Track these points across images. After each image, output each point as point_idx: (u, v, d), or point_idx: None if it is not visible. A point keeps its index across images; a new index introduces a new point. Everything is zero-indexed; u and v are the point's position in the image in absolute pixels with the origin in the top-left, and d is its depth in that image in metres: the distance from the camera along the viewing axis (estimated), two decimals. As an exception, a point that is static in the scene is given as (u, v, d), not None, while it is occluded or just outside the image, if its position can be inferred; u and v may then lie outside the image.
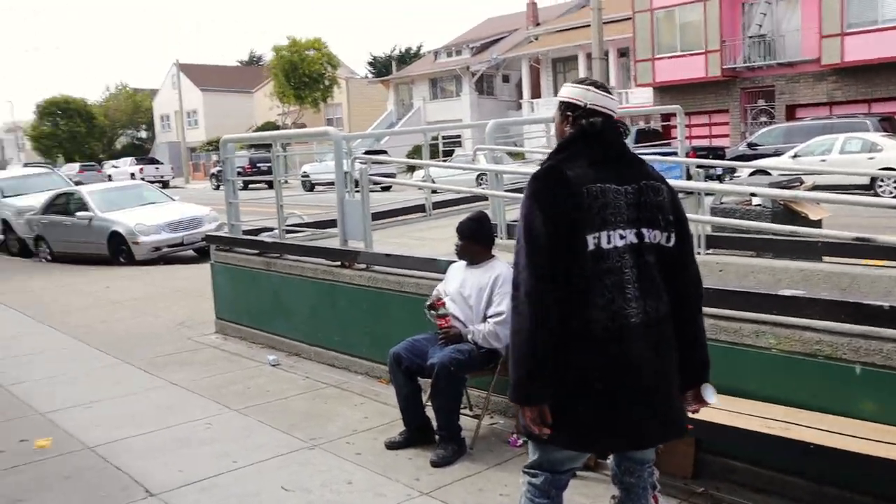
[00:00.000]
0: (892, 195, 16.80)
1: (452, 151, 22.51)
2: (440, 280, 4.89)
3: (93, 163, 49.93)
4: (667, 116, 25.19)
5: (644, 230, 2.41)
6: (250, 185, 29.25)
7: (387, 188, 16.88)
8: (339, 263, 6.09)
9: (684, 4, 28.92)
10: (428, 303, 4.55)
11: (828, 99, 26.49)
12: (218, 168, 38.96)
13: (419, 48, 61.59)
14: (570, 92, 2.53)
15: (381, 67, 60.43)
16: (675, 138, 16.29)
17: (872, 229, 5.41)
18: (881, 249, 6.06)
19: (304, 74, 43.24)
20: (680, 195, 2.73)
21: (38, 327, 8.56)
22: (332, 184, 28.12)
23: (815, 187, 10.47)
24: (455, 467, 4.20)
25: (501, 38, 44.23)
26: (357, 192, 6.25)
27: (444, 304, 4.44)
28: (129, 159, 48.39)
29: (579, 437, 2.42)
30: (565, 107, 2.53)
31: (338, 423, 4.99)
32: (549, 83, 39.39)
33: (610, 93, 2.54)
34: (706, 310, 2.99)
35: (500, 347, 4.35)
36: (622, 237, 2.37)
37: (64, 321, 8.70)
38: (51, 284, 11.59)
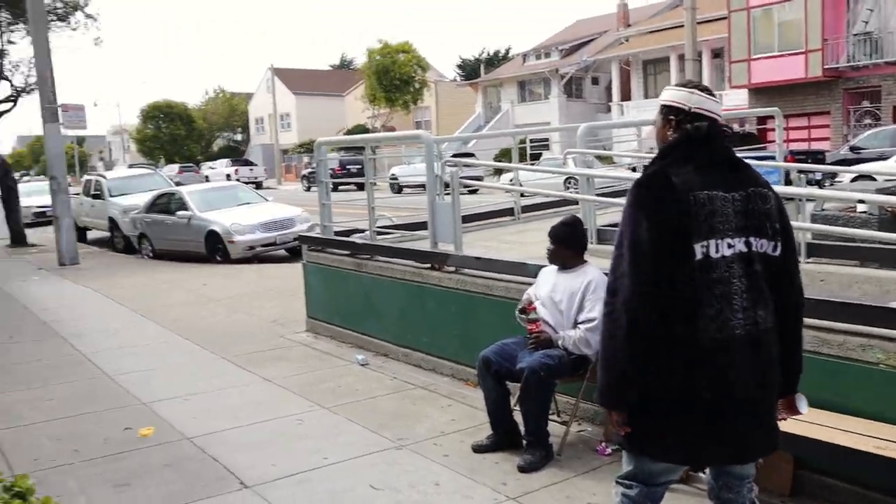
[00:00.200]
0: None
1: (540, 155, 22.36)
2: (529, 284, 4.87)
3: (191, 164, 51.92)
4: (763, 119, 24.38)
5: (752, 239, 2.35)
6: (340, 187, 29.80)
7: (473, 191, 16.91)
8: (428, 265, 6.15)
9: (783, 2, 27.92)
10: (519, 307, 4.54)
11: (940, 100, 25.11)
12: (309, 170, 39.91)
13: (507, 51, 61.60)
14: (673, 95, 2.48)
15: (469, 70, 60.68)
16: (771, 142, 15.73)
17: None
18: None
19: (395, 77, 43.86)
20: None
21: (140, 321, 8.96)
22: (420, 186, 28.37)
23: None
24: (542, 473, 4.18)
25: (591, 40, 43.75)
26: (447, 194, 6.30)
27: (535, 308, 4.41)
28: (224, 161, 50.07)
29: (683, 448, 2.37)
30: (668, 110, 2.47)
31: (425, 425, 5.03)
32: (640, 85, 38.73)
33: (714, 96, 2.48)
34: (807, 321, 2.89)
35: (591, 354, 4.30)
36: (730, 246, 2.32)
37: (164, 316, 9.07)
38: (152, 280, 12.11)
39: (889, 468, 3.14)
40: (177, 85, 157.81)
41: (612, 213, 7.92)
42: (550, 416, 4.46)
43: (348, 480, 4.20)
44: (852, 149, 20.93)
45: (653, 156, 2.51)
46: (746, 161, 2.50)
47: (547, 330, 4.40)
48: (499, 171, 23.98)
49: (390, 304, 6.67)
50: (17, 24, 17.02)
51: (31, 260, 15.62)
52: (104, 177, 19.57)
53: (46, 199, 19.76)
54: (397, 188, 28.66)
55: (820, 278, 5.90)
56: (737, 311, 2.30)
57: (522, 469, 4.18)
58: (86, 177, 22.11)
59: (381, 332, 6.81)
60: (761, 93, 29.11)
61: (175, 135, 60.23)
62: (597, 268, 4.49)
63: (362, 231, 7.69)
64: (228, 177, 41.13)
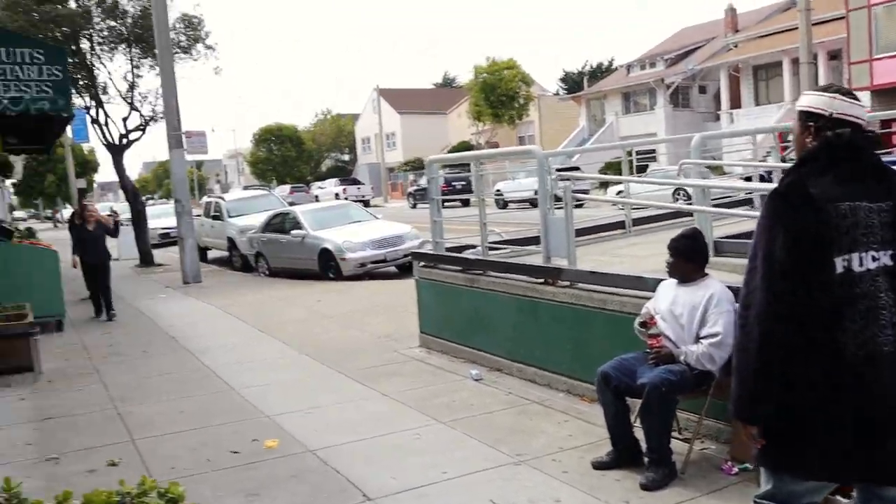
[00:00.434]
0: None
1: (646, 167, 21.94)
2: (646, 298, 4.79)
3: (301, 184, 53.62)
4: (888, 122, 23.03)
5: None
6: (445, 204, 30.10)
7: (579, 205, 16.71)
8: (542, 280, 6.13)
9: (908, -1, 26.43)
10: (639, 321, 4.46)
11: None
12: (414, 187, 40.54)
13: (611, 62, 60.87)
14: (811, 101, 2.38)
15: (571, 83, 60.28)
16: (897, 146, 14.86)
17: None
18: None
19: (501, 94, 44.09)
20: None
21: (260, 336, 9.31)
22: (524, 201, 28.27)
23: None
24: (666, 492, 4.08)
25: (697, 48, 42.67)
26: (558, 209, 6.28)
27: (655, 322, 4.33)
28: (333, 180, 51.48)
29: (825, 464, 2.27)
30: (806, 116, 2.38)
31: (542, 440, 5.00)
32: (750, 92, 37.42)
33: (858, 100, 2.37)
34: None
35: (714, 369, 4.18)
36: (875, 259, 2.21)
37: (282, 332, 9.39)
38: (269, 298, 12.56)
39: None
40: (287, 109, 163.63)
41: (730, 225, 7.69)
42: (672, 434, 4.35)
43: (468, 495, 4.22)
44: None
45: (780, 165, 2.42)
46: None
47: (668, 345, 4.30)
48: (604, 185, 23.66)
49: (503, 320, 6.68)
50: (146, 57, 18.13)
51: (157, 279, 16.51)
52: (223, 198, 20.50)
53: (170, 221, 20.86)
54: (502, 203, 28.71)
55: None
56: (885, 327, 2.19)
57: (645, 487, 4.09)
58: (206, 199, 23.24)
59: (494, 347, 6.83)
60: (884, 95, 27.54)
61: (286, 156, 62.40)
62: (719, 281, 4.37)
63: (474, 247, 7.74)
64: (337, 196, 42.28)
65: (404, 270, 13.29)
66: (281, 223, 15.54)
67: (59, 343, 9.59)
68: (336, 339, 8.82)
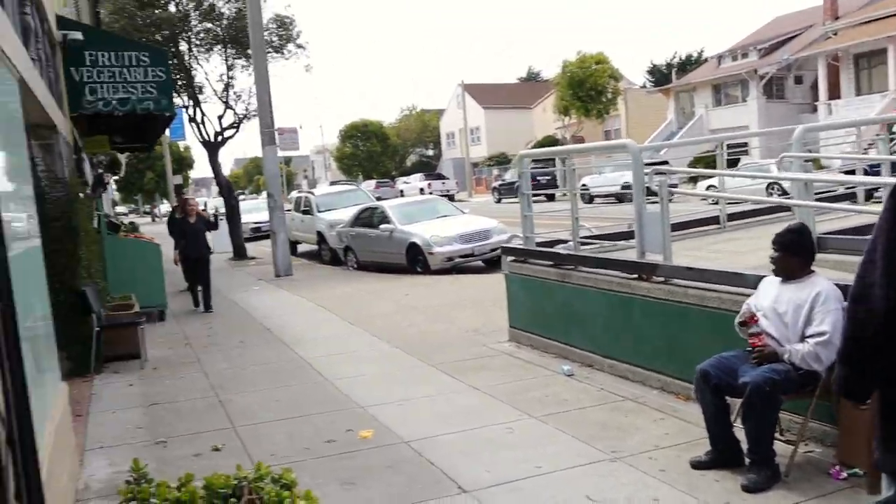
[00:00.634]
0: None
1: (738, 160, 21.29)
2: (745, 295, 4.66)
3: (387, 179, 54.31)
4: None
5: None
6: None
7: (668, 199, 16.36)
8: (635, 276, 6.04)
9: None
10: (739, 319, 4.35)
11: None
12: (499, 182, 40.49)
13: (700, 54, 59.22)
14: None
15: (659, 76, 58.99)
16: None
17: None
18: None
19: (590, 88, 43.55)
20: None
21: (351, 329, 9.49)
22: (610, 196, 27.78)
23: None
24: (769, 494, 3.97)
25: (793, 37, 41.03)
26: (652, 203, 6.17)
27: (757, 320, 4.21)
28: (418, 175, 51.92)
29: None
30: None
31: (637, 438, 4.94)
32: (851, 82, 35.77)
33: None
34: None
35: (821, 369, 4.04)
36: None
37: (372, 324, 9.55)
38: (358, 291, 12.79)
39: None
40: (373, 105, 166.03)
41: (833, 221, 7.39)
42: (775, 435, 4.23)
43: (563, 491, 4.20)
44: None
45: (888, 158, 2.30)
46: None
47: (771, 343, 4.17)
48: (692, 179, 23.07)
49: (595, 315, 6.62)
50: (240, 57, 18.73)
51: (250, 272, 17.04)
52: (313, 193, 20.96)
53: (260, 216, 21.47)
54: (588, 198, 28.37)
55: None
56: None
57: (747, 489, 3.99)
58: (295, 194, 23.81)
59: (586, 343, 6.77)
60: None
61: (371, 152, 63.33)
62: (825, 278, 4.22)
63: (564, 242, 7.69)
64: (422, 190, 42.60)
65: (491, 265, 13.31)
66: (369, 218, 15.79)
67: (162, 333, 10.03)
68: (425, 332, 8.91)
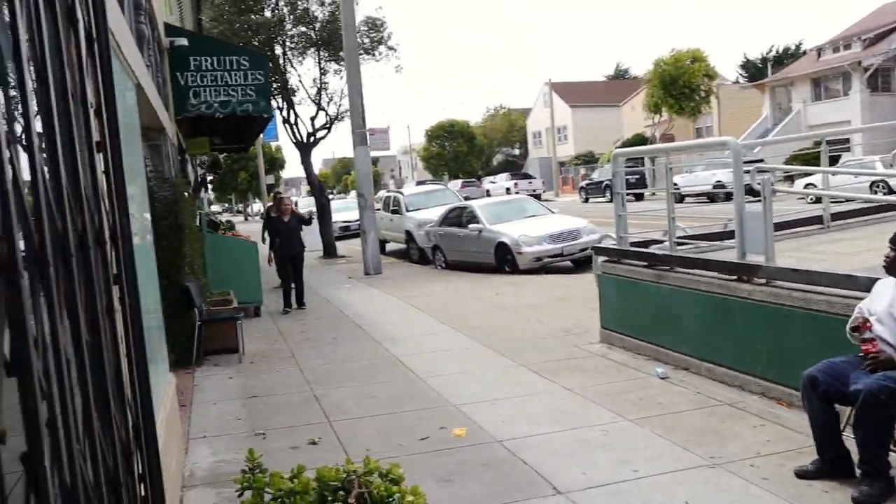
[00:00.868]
0: None
1: (839, 157, 20.39)
2: (856, 298, 4.47)
3: (473, 179, 54.38)
4: None
5: None
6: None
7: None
8: (735, 277, 5.87)
9: None
10: (851, 324, 4.17)
11: None
12: (587, 181, 39.99)
13: (798, 46, 56.99)
14: None
15: (752, 71, 57.07)
16: None
17: None
18: None
19: (683, 85, 42.48)
20: None
21: (441, 327, 9.56)
22: (702, 195, 27.04)
23: None
24: (883, 507, 3.79)
25: (901, 26, 39.02)
26: (751, 202, 5.99)
27: (871, 326, 4.03)
28: (504, 174, 51.78)
29: None
30: None
31: (737, 444, 4.80)
32: (967, 72, 33.77)
33: None
34: None
35: (941, 378, 3.83)
36: None
37: (462, 323, 9.59)
38: (447, 290, 12.87)
39: None
40: (461, 104, 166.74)
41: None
42: (890, 447, 4.04)
43: (662, 496, 4.13)
44: None
45: None
46: None
47: (886, 349, 3.99)
48: (789, 178, 22.23)
49: (691, 317, 6.46)
50: (332, 60, 19.14)
51: (340, 269, 17.38)
52: (402, 193, 21.21)
53: (349, 215, 21.83)
54: (679, 197, 27.73)
55: None
56: None
57: (858, 501, 3.83)
58: (384, 193, 24.16)
59: (681, 346, 6.62)
60: None
61: (457, 151, 63.52)
62: (947, 281, 4.00)
63: (658, 242, 7.54)
64: (508, 190, 42.48)
65: (580, 265, 13.18)
66: (458, 217, 15.86)
67: (258, 328, 10.34)
68: (515, 331, 8.89)
